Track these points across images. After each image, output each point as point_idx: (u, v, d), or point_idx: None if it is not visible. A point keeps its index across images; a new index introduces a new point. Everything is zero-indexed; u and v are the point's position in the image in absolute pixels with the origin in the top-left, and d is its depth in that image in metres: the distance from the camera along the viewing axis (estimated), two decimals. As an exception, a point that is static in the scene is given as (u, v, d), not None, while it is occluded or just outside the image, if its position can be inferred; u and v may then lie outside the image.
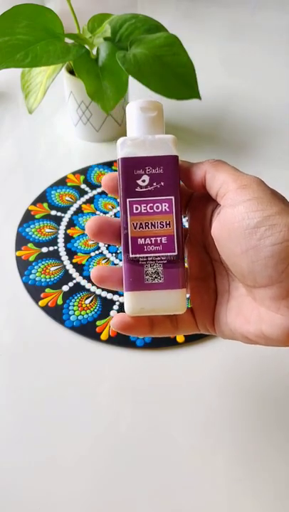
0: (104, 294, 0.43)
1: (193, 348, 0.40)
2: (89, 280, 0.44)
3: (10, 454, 0.34)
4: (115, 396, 0.37)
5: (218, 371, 0.38)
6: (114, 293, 0.43)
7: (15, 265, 0.46)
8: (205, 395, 0.37)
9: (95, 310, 0.42)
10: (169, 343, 0.40)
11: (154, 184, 0.26)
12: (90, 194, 0.53)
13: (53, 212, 0.51)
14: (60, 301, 0.42)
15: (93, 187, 0.54)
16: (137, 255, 0.25)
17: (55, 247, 0.47)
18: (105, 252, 0.47)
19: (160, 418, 0.36)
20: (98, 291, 0.43)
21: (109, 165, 0.57)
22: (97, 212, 0.51)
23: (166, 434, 0.35)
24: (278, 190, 0.25)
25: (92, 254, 0.47)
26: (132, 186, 0.26)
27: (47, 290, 0.43)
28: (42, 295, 0.43)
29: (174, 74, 0.51)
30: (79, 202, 0.52)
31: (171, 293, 0.25)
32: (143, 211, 0.25)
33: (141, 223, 0.25)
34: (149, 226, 0.25)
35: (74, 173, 0.55)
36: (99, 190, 0.54)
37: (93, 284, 0.44)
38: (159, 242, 0.25)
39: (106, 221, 0.27)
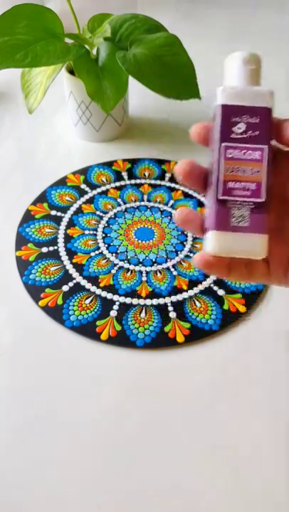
0: (104, 294, 0.43)
1: (193, 348, 0.40)
2: (89, 280, 0.44)
3: (10, 454, 0.34)
4: (115, 396, 0.37)
5: (218, 371, 0.38)
6: (114, 293, 0.43)
7: (15, 265, 0.45)
8: (205, 394, 0.37)
9: (95, 310, 0.42)
10: (169, 343, 0.40)
11: (249, 132, 0.27)
12: (90, 194, 0.53)
13: (53, 212, 0.51)
14: (60, 301, 0.42)
15: (93, 187, 0.54)
16: (226, 197, 0.26)
17: (55, 247, 0.47)
18: (105, 252, 0.47)
19: (160, 418, 0.36)
20: (98, 291, 0.43)
21: (109, 165, 0.57)
22: (97, 212, 0.51)
23: (166, 433, 0.35)
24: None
25: (92, 254, 0.47)
26: (228, 132, 0.27)
27: (47, 290, 0.43)
28: (42, 295, 0.43)
29: (174, 74, 0.51)
30: (79, 202, 0.52)
31: (256, 237, 0.26)
32: (236, 157, 0.27)
33: (232, 167, 0.27)
34: (240, 171, 0.27)
35: (74, 173, 0.55)
36: (99, 190, 0.54)
37: (93, 284, 0.44)
38: (247, 187, 0.27)
39: (196, 165, 0.28)
